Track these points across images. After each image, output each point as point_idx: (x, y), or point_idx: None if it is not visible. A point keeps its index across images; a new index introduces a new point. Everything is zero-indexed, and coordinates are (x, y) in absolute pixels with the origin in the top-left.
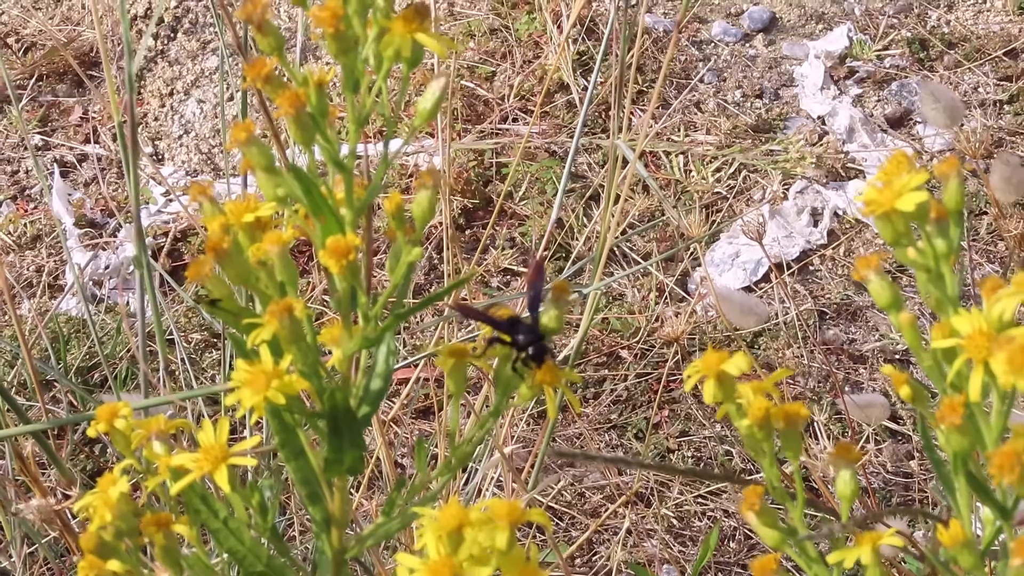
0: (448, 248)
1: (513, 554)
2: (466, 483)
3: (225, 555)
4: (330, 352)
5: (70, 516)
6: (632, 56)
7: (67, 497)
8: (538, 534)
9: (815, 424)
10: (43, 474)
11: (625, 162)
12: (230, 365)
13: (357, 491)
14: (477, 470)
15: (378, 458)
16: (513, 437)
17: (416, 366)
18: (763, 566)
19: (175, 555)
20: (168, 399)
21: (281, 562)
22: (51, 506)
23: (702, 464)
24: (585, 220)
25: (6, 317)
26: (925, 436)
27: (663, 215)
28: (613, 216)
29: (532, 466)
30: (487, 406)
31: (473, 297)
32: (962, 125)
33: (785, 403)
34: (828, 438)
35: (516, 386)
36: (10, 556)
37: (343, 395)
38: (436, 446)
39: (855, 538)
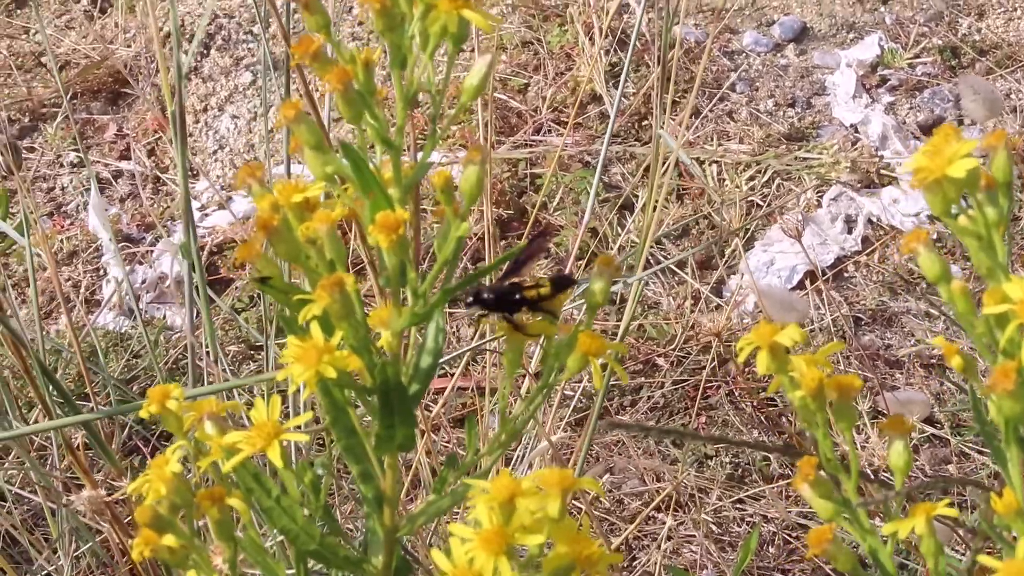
0: (489, 248)
1: (565, 523)
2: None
3: (278, 535)
4: (380, 335)
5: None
6: (670, 60)
7: (117, 490)
8: None
9: (856, 423)
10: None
11: (663, 162)
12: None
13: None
14: (523, 460)
15: (417, 467)
16: (556, 430)
17: (452, 375)
18: (819, 536)
19: (229, 530)
20: (218, 387)
21: (334, 540)
22: (102, 497)
23: (740, 470)
24: (619, 229)
25: (45, 332)
26: (976, 408)
27: (698, 224)
28: (656, 202)
29: (575, 465)
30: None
31: None
32: (1001, 117)
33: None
34: (870, 437)
35: (564, 358)
36: (57, 556)
37: (394, 370)
38: (475, 453)
39: (909, 509)
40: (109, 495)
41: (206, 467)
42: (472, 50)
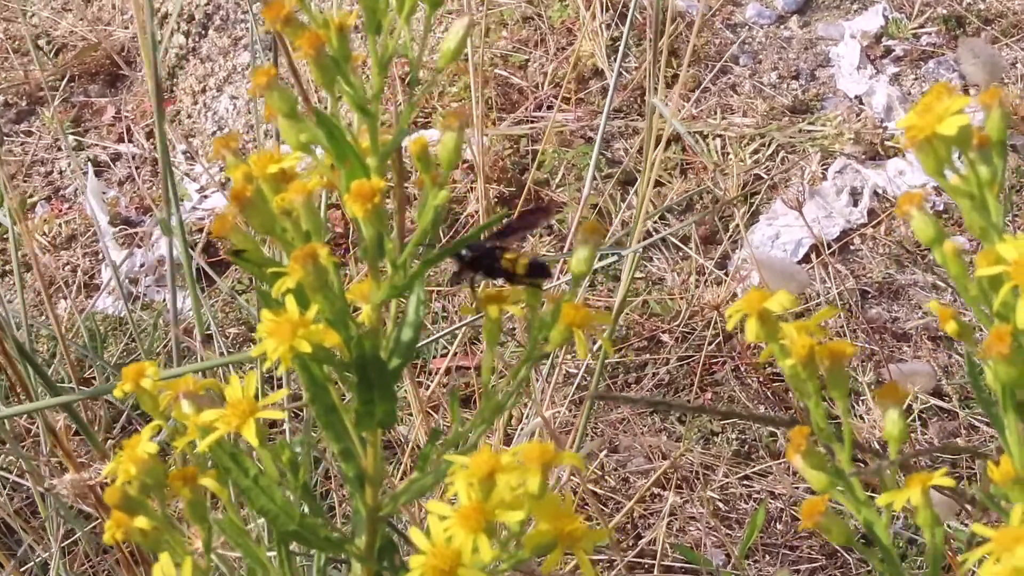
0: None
1: (546, 499)
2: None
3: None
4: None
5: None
6: (669, 32)
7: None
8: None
9: (859, 396)
10: (77, 452)
11: (660, 138)
12: None
13: (398, 479)
14: (519, 438)
15: (415, 447)
16: (562, 406)
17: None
18: (812, 508)
19: (202, 510)
20: (197, 367)
21: (315, 521)
22: (85, 480)
23: (746, 447)
24: (621, 204)
25: (43, 317)
26: (973, 375)
27: (701, 198)
28: (650, 175)
29: (573, 442)
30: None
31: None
32: (1003, 81)
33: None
34: (871, 408)
35: (547, 329)
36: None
37: (372, 344)
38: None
39: (904, 480)
40: (94, 479)
41: (183, 447)
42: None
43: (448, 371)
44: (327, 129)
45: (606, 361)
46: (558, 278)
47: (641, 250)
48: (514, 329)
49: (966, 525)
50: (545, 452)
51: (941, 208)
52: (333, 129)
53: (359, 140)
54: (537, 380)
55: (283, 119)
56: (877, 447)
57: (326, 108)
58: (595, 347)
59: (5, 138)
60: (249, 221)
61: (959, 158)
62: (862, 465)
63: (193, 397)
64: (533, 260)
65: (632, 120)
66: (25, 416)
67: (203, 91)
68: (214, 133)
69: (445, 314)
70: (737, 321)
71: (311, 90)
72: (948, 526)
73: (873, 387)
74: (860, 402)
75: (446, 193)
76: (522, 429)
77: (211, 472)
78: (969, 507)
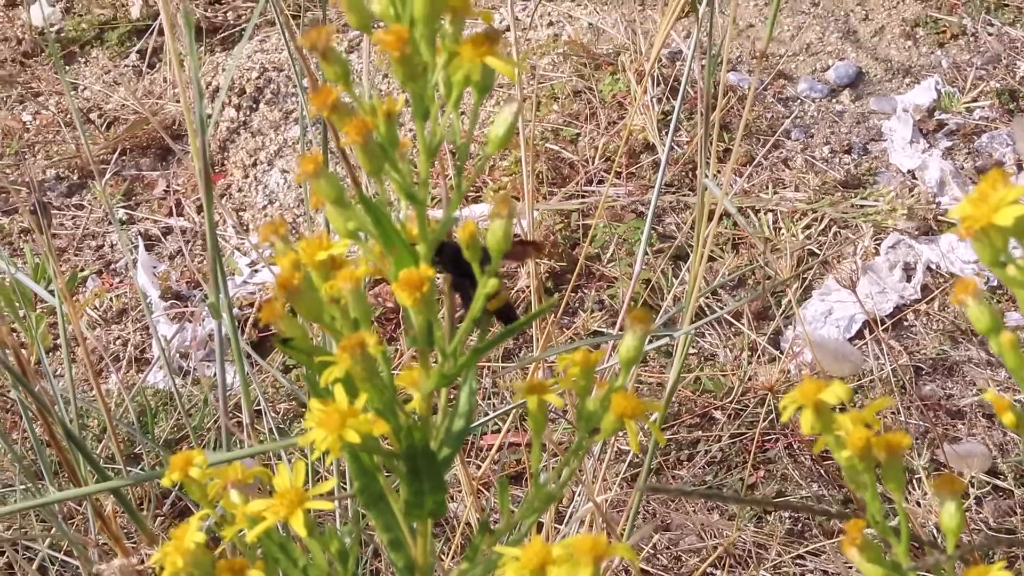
0: (538, 304)
1: None
2: (560, 536)
3: None
4: (411, 398)
5: None
6: (716, 107)
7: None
8: None
9: (914, 475)
10: (127, 536)
11: (712, 215)
12: None
13: (448, 557)
14: (570, 520)
15: (468, 523)
16: (611, 487)
17: (501, 432)
18: None
19: None
20: (247, 452)
21: None
22: (133, 566)
23: (799, 525)
24: (672, 279)
25: (93, 392)
26: None
27: (754, 274)
28: (703, 252)
29: (626, 524)
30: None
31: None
32: None
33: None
34: (928, 492)
35: (598, 420)
36: None
37: (421, 434)
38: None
39: (962, 572)
40: (142, 563)
41: (231, 536)
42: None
43: (499, 447)
44: (374, 216)
45: (638, 443)
46: (609, 356)
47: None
48: (565, 410)
49: None
50: (597, 545)
51: (996, 284)
52: (380, 217)
53: (407, 226)
54: (588, 458)
55: (331, 206)
56: (932, 531)
57: (375, 191)
58: (645, 425)
59: (56, 212)
60: (297, 309)
61: (1015, 247)
62: (919, 558)
63: (241, 486)
64: (501, 307)
65: (683, 195)
66: None
67: (254, 164)
68: (265, 207)
69: (495, 390)
70: (792, 412)
71: (360, 171)
72: None
73: (927, 469)
74: (915, 483)
75: (496, 281)
76: (574, 512)
77: (260, 563)
78: None
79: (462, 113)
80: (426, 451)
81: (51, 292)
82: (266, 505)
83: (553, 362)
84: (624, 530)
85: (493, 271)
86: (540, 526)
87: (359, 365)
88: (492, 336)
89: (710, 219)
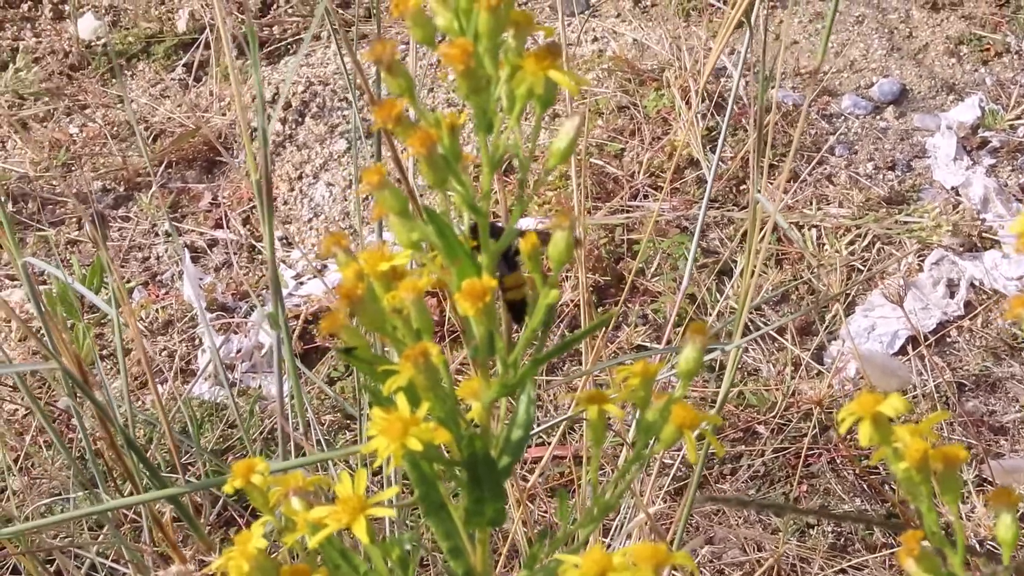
0: (585, 316)
1: None
2: (608, 548)
3: None
4: (470, 407)
5: None
6: (767, 124)
7: (205, 566)
8: None
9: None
10: (182, 543)
11: (760, 227)
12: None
13: (496, 567)
14: (620, 530)
15: (514, 537)
16: (655, 500)
17: (545, 444)
18: None
19: None
20: (306, 460)
21: None
22: (189, 573)
23: (842, 539)
24: (717, 295)
25: (139, 403)
26: None
27: (797, 289)
28: (754, 268)
29: (675, 537)
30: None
31: (607, 373)
32: None
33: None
34: (975, 507)
35: (657, 430)
36: None
37: (482, 443)
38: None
39: None
40: (199, 569)
41: (292, 543)
42: (566, 115)
43: (538, 460)
44: (438, 228)
45: (698, 452)
46: (665, 373)
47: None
48: (611, 422)
49: None
50: (658, 553)
51: None
52: (444, 228)
53: (468, 236)
54: None
55: (394, 217)
56: (977, 545)
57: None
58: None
59: (103, 223)
60: (359, 319)
61: None
62: (974, 569)
63: (302, 493)
64: (523, 299)
65: (728, 210)
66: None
67: (299, 178)
68: (310, 220)
69: (539, 403)
70: (850, 424)
71: (416, 183)
72: None
73: (975, 484)
74: (963, 500)
75: (557, 292)
76: (623, 525)
77: (321, 569)
78: None
79: (526, 121)
80: (487, 459)
81: (105, 302)
82: (328, 512)
83: (597, 376)
84: (673, 541)
85: (554, 282)
86: (600, 544)
87: (422, 374)
88: (551, 348)
89: (761, 235)
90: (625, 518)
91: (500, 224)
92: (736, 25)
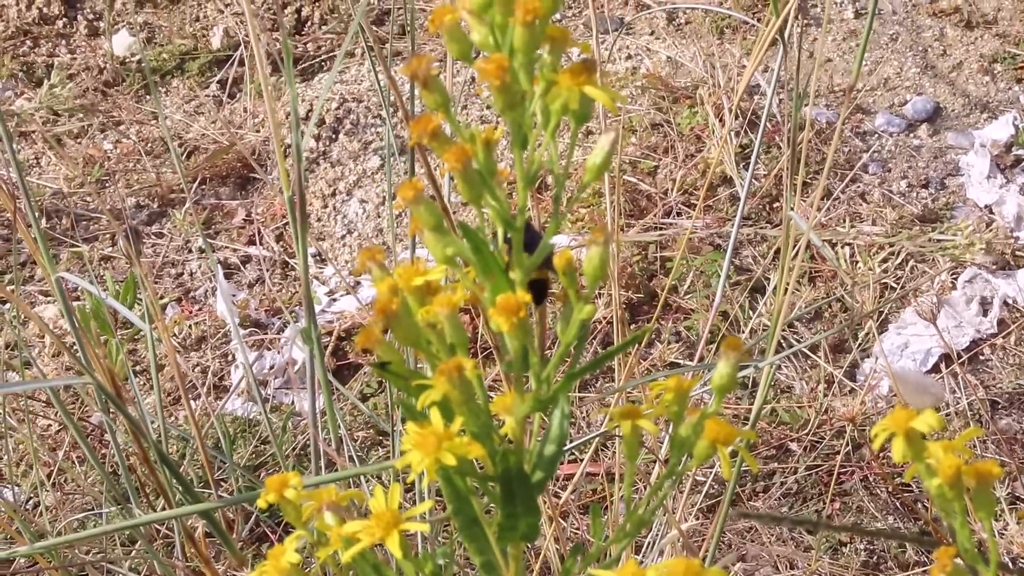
0: (618, 332)
1: None
2: (641, 564)
3: None
4: (503, 422)
5: None
6: (800, 141)
7: None
8: None
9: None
10: (214, 559)
11: (794, 244)
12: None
13: None
14: (653, 547)
15: (546, 554)
16: (688, 517)
17: (577, 461)
18: None
19: None
20: (340, 475)
21: None
22: None
23: (875, 557)
24: (750, 312)
25: (172, 419)
26: None
27: (830, 307)
28: (788, 285)
29: (708, 554)
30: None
31: (640, 390)
32: None
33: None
34: (1008, 524)
35: (691, 446)
36: None
37: (516, 458)
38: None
39: None
40: None
41: (325, 558)
42: (599, 132)
43: (570, 477)
44: (474, 243)
45: (731, 469)
46: (698, 390)
47: (776, 361)
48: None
49: None
50: (691, 569)
51: None
52: (479, 243)
53: (503, 253)
54: None
55: (429, 232)
56: (1010, 562)
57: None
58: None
59: (136, 239)
60: (394, 334)
61: None
62: None
63: (336, 508)
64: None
65: (761, 228)
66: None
67: (333, 194)
68: (343, 236)
69: (572, 420)
70: (884, 440)
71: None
72: None
73: (1008, 501)
74: (996, 517)
75: (591, 308)
76: (655, 542)
77: None
78: None
79: (560, 138)
80: (521, 474)
81: (139, 318)
82: (362, 526)
83: (630, 393)
84: (705, 558)
85: (589, 297)
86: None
87: (456, 389)
88: (584, 364)
89: (795, 252)
90: (657, 535)
91: (536, 228)
92: (770, 43)
